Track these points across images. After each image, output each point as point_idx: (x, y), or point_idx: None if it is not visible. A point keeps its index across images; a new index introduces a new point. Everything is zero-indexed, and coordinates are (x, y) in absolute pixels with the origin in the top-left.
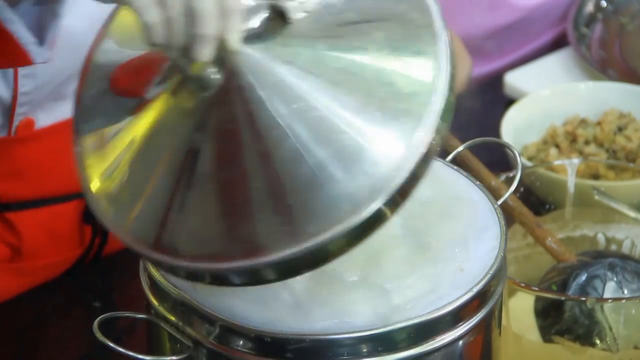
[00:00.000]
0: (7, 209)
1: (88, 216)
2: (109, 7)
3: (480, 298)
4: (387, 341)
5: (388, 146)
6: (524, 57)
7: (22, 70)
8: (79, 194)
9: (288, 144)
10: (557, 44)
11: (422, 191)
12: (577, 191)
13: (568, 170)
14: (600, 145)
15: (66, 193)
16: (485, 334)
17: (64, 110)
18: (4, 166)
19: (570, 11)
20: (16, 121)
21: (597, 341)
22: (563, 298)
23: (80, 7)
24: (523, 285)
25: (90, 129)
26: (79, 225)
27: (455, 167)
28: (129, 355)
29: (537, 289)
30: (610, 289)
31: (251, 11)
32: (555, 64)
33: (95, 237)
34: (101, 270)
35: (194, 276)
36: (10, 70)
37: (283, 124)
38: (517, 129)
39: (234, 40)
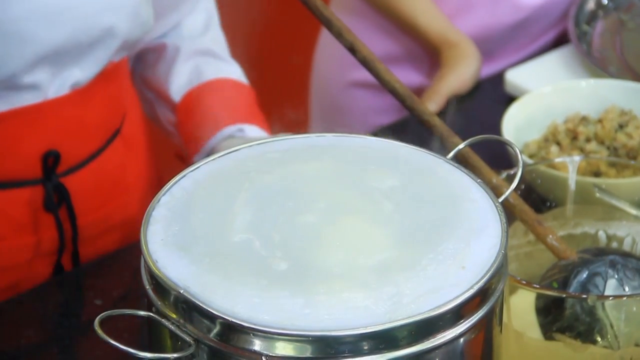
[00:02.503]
0: None
1: (49, 205)
2: (60, 4)
3: (481, 295)
4: (388, 339)
5: None
6: (527, 56)
7: None
8: (33, 181)
9: None
10: (560, 42)
11: (423, 189)
12: (578, 189)
13: (569, 167)
14: (601, 142)
15: (19, 179)
16: (486, 331)
17: (19, 99)
18: None
19: (571, 8)
20: None
21: (598, 338)
22: (564, 295)
23: None
24: (524, 282)
25: None
26: (35, 213)
27: (456, 165)
28: (130, 352)
29: (538, 286)
30: (611, 287)
31: None
32: (556, 62)
33: (62, 229)
34: (102, 267)
35: None
36: None
37: None
38: (518, 126)
39: None
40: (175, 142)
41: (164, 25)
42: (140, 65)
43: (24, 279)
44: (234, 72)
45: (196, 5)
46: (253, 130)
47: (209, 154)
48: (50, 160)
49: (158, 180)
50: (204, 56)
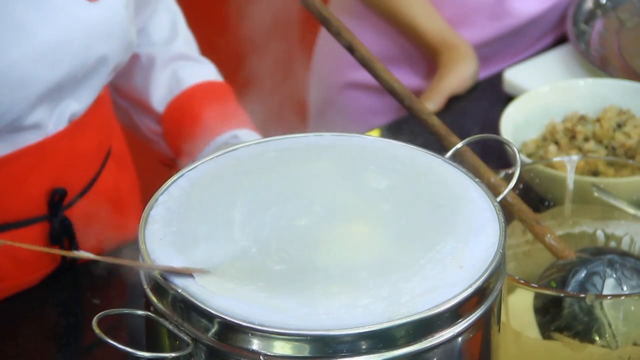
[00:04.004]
0: None
1: (55, 238)
2: (57, 41)
3: (480, 295)
4: (386, 338)
5: None
6: (525, 60)
7: None
8: (42, 218)
9: None
10: (558, 41)
11: (421, 188)
12: (577, 188)
13: (567, 167)
14: (599, 142)
15: (28, 218)
16: (484, 330)
17: (22, 140)
18: None
19: (569, 8)
20: None
21: (597, 338)
22: (562, 295)
23: (26, 40)
24: (522, 282)
25: None
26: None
27: (454, 164)
28: (128, 352)
29: (536, 285)
30: (609, 286)
31: None
32: (554, 61)
33: (64, 261)
34: (101, 267)
35: None
36: None
37: None
38: (516, 125)
39: None
40: (158, 149)
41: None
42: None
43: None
44: (210, 72)
45: (156, 7)
46: (246, 134)
47: None
48: (57, 196)
49: (146, 190)
50: (178, 60)
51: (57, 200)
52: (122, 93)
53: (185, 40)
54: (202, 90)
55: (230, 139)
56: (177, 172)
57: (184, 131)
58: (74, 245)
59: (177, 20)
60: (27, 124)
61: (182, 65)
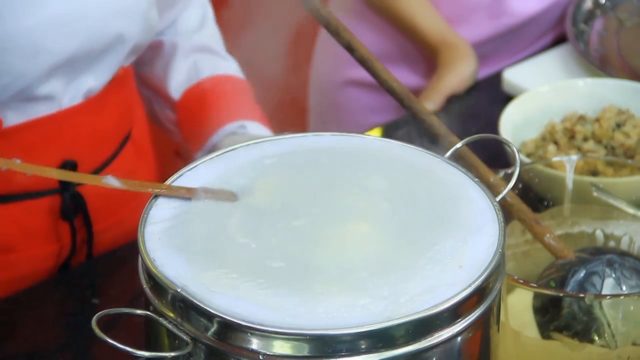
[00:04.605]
0: None
1: (66, 213)
2: (72, 14)
3: (479, 294)
4: (385, 337)
5: None
6: (524, 59)
7: None
8: (51, 191)
9: None
10: (558, 41)
11: (421, 188)
12: (576, 188)
13: (566, 166)
14: (598, 141)
15: (37, 190)
16: (483, 330)
17: (34, 110)
18: None
19: (568, 7)
20: None
21: (596, 337)
22: (561, 294)
23: (40, 9)
24: (521, 281)
25: None
26: (54, 221)
27: (453, 164)
28: (128, 351)
29: (535, 285)
30: (608, 286)
31: None
32: (553, 61)
33: (75, 235)
34: (100, 266)
35: None
36: None
37: None
38: (515, 125)
39: None
40: (175, 139)
41: (161, 23)
42: (137, 64)
43: (30, 277)
44: (231, 67)
45: (190, 1)
46: (255, 127)
47: (210, 152)
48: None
49: (163, 180)
50: (201, 52)
51: None
52: (145, 81)
53: (211, 34)
54: (218, 82)
55: (237, 128)
56: (189, 162)
57: (195, 119)
58: (87, 222)
59: (207, 15)
60: (40, 95)
61: (203, 57)
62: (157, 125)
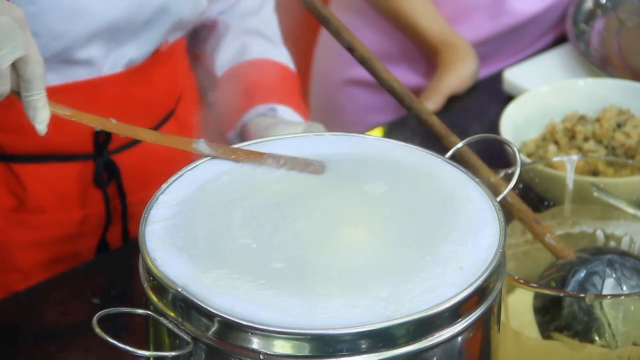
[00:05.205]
0: (12, 160)
1: (99, 180)
2: None
3: (479, 294)
4: (386, 337)
5: None
6: (524, 59)
7: None
8: (85, 156)
9: None
10: (558, 41)
11: (421, 188)
12: (576, 188)
13: (567, 166)
14: (599, 141)
15: (71, 153)
16: (484, 330)
17: (73, 74)
18: (9, 119)
19: (569, 7)
20: None
21: (596, 337)
22: (562, 294)
23: None
24: (522, 281)
25: None
26: (86, 187)
27: (454, 164)
28: (129, 351)
29: (536, 285)
30: (609, 286)
31: None
32: (554, 61)
33: (109, 205)
34: (100, 266)
35: None
36: None
37: None
38: (516, 125)
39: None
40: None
41: (221, 4)
42: (194, 42)
43: (69, 254)
44: (281, 55)
45: None
46: (286, 112)
47: (241, 131)
48: (102, 136)
49: None
50: (252, 35)
51: (102, 142)
52: (198, 60)
53: (267, 20)
54: (261, 65)
55: (267, 111)
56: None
57: (230, 97)
58: (120, 190)
59: (266, 2)
60: (79, 59)
61: (254, 40)
62: (206, 104)
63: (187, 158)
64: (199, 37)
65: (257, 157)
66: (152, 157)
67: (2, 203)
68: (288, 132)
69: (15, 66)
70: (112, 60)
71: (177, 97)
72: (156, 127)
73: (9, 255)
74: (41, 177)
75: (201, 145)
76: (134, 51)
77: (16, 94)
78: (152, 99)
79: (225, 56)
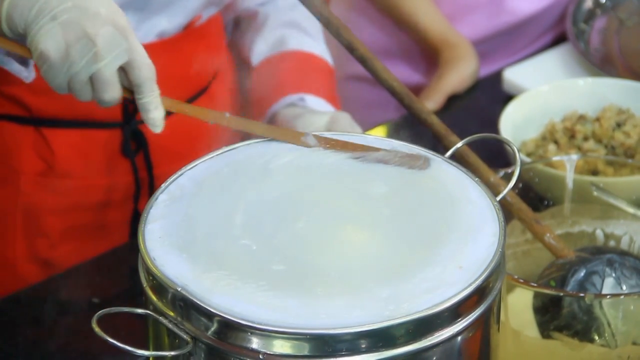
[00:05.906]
0: (42, 124)
1: (126, 149)
2: None
3: (479, 294)
4: (386, 337)
5: None
6: (524, 58)
7: None
8: (113, 124)
9: None
10: (558, 40)
11: (421, 188)
12: (576, 187)
13: (567, 166)
14: (599, 141)
15: (100, 120)
16: (484, 329)
17: None
18: (41, 82)
19: (569, 7)
20: None
21: (596, 337)
22: (561, 294)
23: None
24: (522, 281)
25: None
26: (112, 156)
27: (453, 163)
28: (128, 350)
29: (535, 285)
30: (608, 285)
31: None
32: (553, 60)
33: (137, 177)
34: (100, 266)
35: None
36: None
37: None
38: (515, 124)
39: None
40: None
41: None
42: (236, 33)
43: (97, 224)
44: (318, 48)
45: None
46: (314, 101)
47: (270, 120)
48: (131, 106)
49: None
50: (290, 28)
51: (131, 110)
52: (239, 50)
53: (307, 14)
54: (296, 57)
55: (297, 100)
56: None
57: (263, 85)
58: (148, 162)
59: None
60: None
61: (292, 33)
62: (241, 94)
63: (214, 135)
64: (240, 28)
65: (369, 151)
66: (179, 131)
67: (31, 167)
68: (313, 122)
69: (125, 72)
70: (144, 30)
71: (211, 74)
72: (188, 101)
73: (36, 219)
74: (69, 142)
75: (310, 139)
76: (165, 23)
77: (132, 98)
78: (183, 73)
79: (262, 46)
